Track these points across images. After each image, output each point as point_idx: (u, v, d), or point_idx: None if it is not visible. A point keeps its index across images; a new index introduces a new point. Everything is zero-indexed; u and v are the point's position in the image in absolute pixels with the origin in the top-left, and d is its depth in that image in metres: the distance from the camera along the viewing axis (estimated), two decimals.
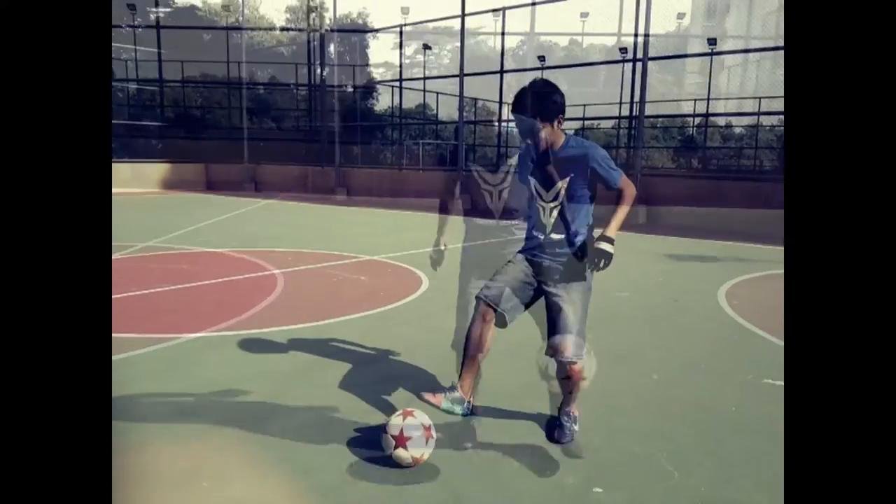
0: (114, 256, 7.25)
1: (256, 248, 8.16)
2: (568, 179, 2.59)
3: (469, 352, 2.65)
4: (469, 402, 2.65)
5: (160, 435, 2.73)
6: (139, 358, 3.74)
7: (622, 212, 2.55)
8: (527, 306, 2.73)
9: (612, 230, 2.49)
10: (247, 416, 2.93)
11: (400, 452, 2.43)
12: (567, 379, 2.66)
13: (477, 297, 2.68)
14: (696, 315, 5.04)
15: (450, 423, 2.87)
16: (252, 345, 4.03)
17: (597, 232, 2.56)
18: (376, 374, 3.53)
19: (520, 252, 2.78)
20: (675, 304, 5.42)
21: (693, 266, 7.43)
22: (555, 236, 2.65)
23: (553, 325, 2.61)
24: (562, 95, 2.60)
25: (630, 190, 2.59)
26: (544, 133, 2.56)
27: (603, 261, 2.45)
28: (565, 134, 2.64)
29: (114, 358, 3.73)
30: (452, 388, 2.65)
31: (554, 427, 2.75)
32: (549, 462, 2.55)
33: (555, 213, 2.64)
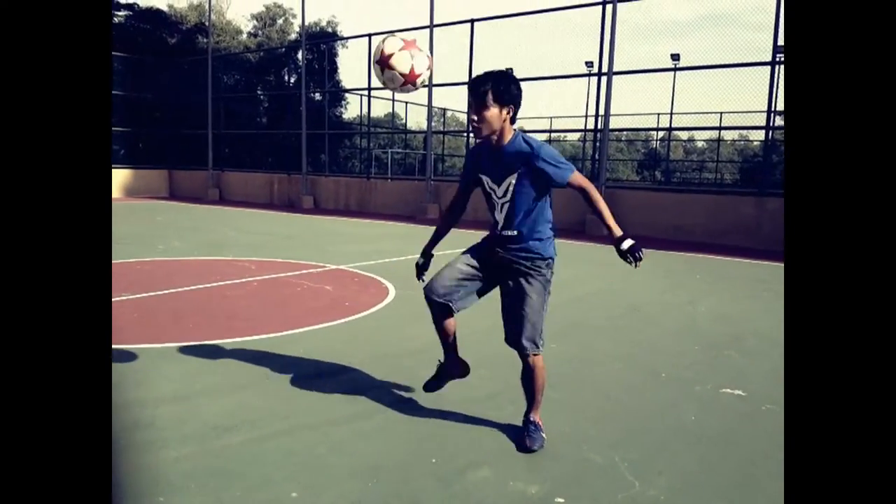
0: None
1: (219, 257, 8.03)
2: (517, 174, 2.64)
3: (440, 336, 2.96)
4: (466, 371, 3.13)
5: (115, 447, 2.65)
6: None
7: (602, 209, 2.63)
8: (479, 294, 2.90)
9: (614, 229, 2.60)
10: (206, 429, 2.87)
11: (404, 55, 2.60)
12: (529, 378, 2.78)
13: (426, 296, 2.83)
14: (658, 325, 5.13)
15: (416, 434, 2.86)
16: (211, 356, 3.95)
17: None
18: (340, 384, 3.50)
19: (477, 245, 2.91)
20: (637, 314, 5.51)
21: (655, 277, 7.56)
22: (507, 232, 2.74)
23: (507, 316, 2.76)
24: (519, 89, 2.62)
25: (587, 184, 2.66)
26: (491, 113, 2.57)
27: (635, 257, 2.56)
28: (515, 131, 2.67)
29: None
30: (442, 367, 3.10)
31: (523, 436, 2.76)
32: (513, 471, 2.55)
33: (506, 208, 2.71)
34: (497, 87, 2.56)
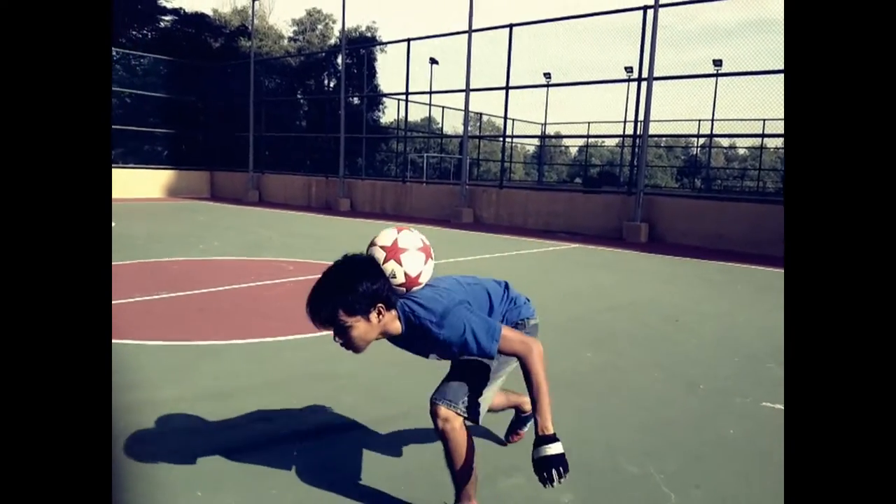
0: (123, 262, 7.26)
1: (258, 258, 8.17)
2: (435, 354, 2.13)
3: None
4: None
5: (154, 442, 2.71)
6: (135, 365, 3.73)
7: (536, 385, 1.91)
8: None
9: (544, 425, 1.86)
10: (242, 426, 2.91)
11: (391, 266, 1.98)
12: (446, 454, 2.08)
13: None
14: (696, 335, 5.03)
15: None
16: (248, 354, 4.02)
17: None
18: (373, 386, 3.52)
19: None
20: (676, 324, 5.40)
21: (694, 287, 7.42)
22: None
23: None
24: (374, 278, 1.93)
25: (524, 350, 1.94)
26: (358, 330, 1.92)
27: (552, 472, 1.80)
28: (396, 313, 2.00)
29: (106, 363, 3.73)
30: None
31: None
32: None
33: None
34: (344, 305, 1.89)
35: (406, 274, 2.01)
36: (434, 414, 2.05)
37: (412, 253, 2.04)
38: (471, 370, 2.14)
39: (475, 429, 2.96)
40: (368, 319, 1.92)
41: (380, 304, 1.93)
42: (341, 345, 1.98)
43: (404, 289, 2.03)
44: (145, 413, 3.01)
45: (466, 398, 2.07)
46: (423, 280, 2.07)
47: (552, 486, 1.82)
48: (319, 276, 1.98)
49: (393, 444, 2.80)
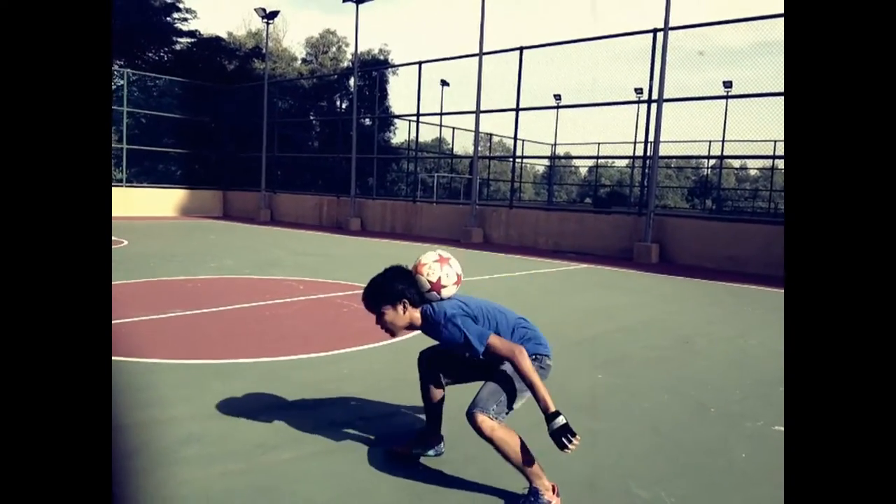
0: (136, 280, 7.33)
1: (269, 276, 8.23)
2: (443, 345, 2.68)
3: (426, 406, 2.93)
4: (440, 445, 2.93)
5: (167, 460, 2.73)
6: (147, 383, 3.76)
7: (527, 379, 2.39)
8: (469, 376, 2.86)
9: (546, 406, 2.34)
10: (251, 446, 2.92)
11: (432, 297, 2.65)
12: (498, 451, 2.45)
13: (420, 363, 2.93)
14: (707, 358, 4.99)
15: (455, 458, 2.85)
16: (258, 373, 4.04)
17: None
18: (383, 406, 3.52)
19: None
20: (686, 346, 5.37)
21: (705, 308, 7.37)
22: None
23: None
24: (405, 282, 2.63)
25: (508, 353, 2.44)
26: (389, 316, 2.62)
27: (565, 439, 2.27)
28: (422, 310, 2.65)
29: (117, 382, 3.75)
30: (418, 436, 2.96)
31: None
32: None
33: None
34: (376, 298, 2.63)
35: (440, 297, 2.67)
36: (473, 423, 2.41)
37: (449, 289, 2.67)
38: (500, 385, 2.50)
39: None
40: (396, 310, 2.61)
41: (405, 300, 2.61)
42: (381, 327, 2.67)
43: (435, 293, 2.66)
44: (157, 431, 3.03)
45: (496, 405, 2.45)
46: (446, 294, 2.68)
47: (569, 451, 2.27)
48: (364, 285, 2.72)
49: (409, 460, 2.80)
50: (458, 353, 2.69)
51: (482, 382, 2.58)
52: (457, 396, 3.08)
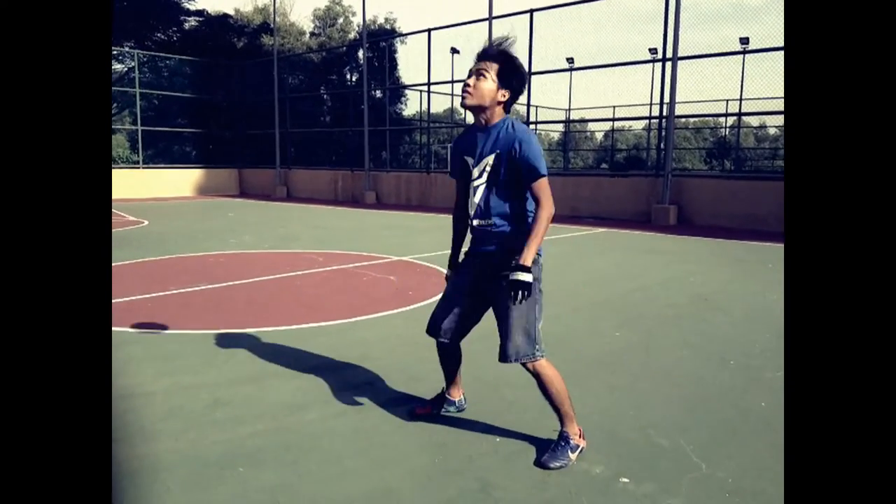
0: (157, 258, 7.47)
1: (288, 250, 8.32)
2: (494, 156, 2.46)
3: (444, 367, 2.91)
4: (459, 400, 2.96)
5: (198, 423, 2.82)
6: (176, 352, 3.86)
7: (536, 233, 2.36)
8: (478, 312, 2.70)
9: (525, 257, 2.33)
10: (279, 406, 3.01)
11: None
12: (542, 388, 2.53)
13: (430, 334, 2.77)
14: (727, 314, 4.99)
15: (477, 412, 2.92)
16: (283, 340, 4.12)
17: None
18: (404, 367, 3.59)
19: (462, 267, 2.73)
20: (706, 303, 5.37)
21: (724, 267, 7.34)
22: (481, 223, 2.54)
23: (499, 329, 2.52)
24: (523, 82, 2.52)
25: (547, 205, 2.39)
26: (487, 86, 2.42)
27: (520, 293, 2.30)
28: (505, 117, 2.52)
29: (144, 351, 3.86)
30: (442, 396, 2.96)
31: (546, 449, 2.53)
32: None
33: (480, 192, 2.51)
34: (504, 66, 2.44)
35: None
36: (525, 367, 2.51)
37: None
38: (522, 317, 2.46)
39: (521, 398, 3.01)
40: (499, 88, 2.44)
41: (508, 91, 2.46)
42: (464, 88, 2.46)
43: None
44: (188, 396, 3.13)
45: (530, 345, 2.48)
46: None
47: (518, 303, 2.34)
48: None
49: (428, 418, 2.87)
50: (506, 174, 2.46)
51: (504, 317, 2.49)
52: (475, 352, 3.14)
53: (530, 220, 2.45)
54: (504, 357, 2.49)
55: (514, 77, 2.46)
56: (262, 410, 2.98)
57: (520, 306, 2.42)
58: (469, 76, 2.47)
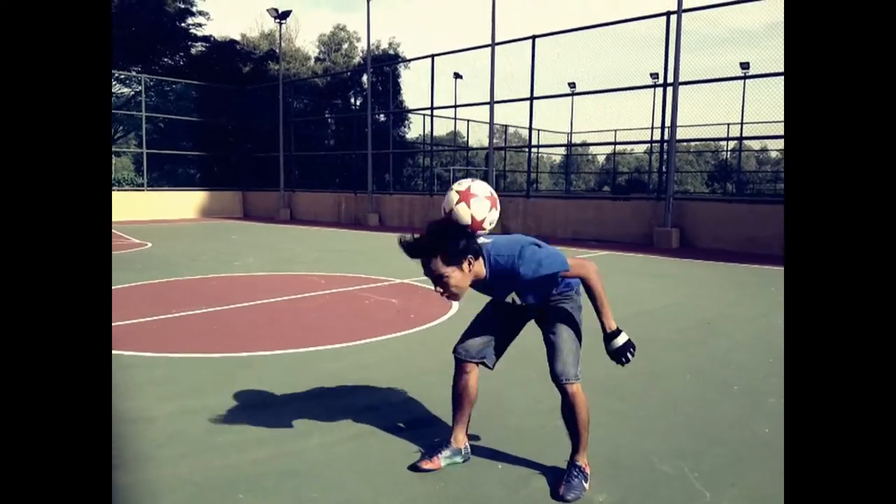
0: (162, 280, 7.48)
1: (291, 273, 8.34)
2: (515, 292, 2.49)
3: (459, 405, 2.71)
4: (465, 447, 2.72)
5: (198, 448, 2.81)
6: (175, 376, 3.86)
7: (599, 296, 2.39)
8: (509, 339, 2.70)
9: (609, 323, 2.42)
10: (282, 432, 3.00)
11: (461, 208, 2.44)
12: (569, 411, 2.49)
13: (455, 355, 2.68)
14: (730, 338, 4.98)
15: (481, 440, 2.90)
16: (285, 365, 4.12)
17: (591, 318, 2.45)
18: (408, 392, 3.58)
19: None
20: (709, 327, 5.36)
21: (727, 290, 7.33)
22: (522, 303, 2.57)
23: (548, 351, 2.54)
24: (464, 235, 2.30)
25: (584, 272, 2.38)
26: (454, 278, 2.27)
27: (627, 356, 2.42)
28: (484, 259, 2.36)
29: (146, 375, 3.86)
30: (445, 444, 2.69)
31: (561, 480, 2.47)
32: None
33: (517, 299, 2.54)
34: (442, 251, 2.25)
35: (472, 217, 2.44)
36: (561, 388, 2.47)
37: (480, 200, 2.47)
38: (568, 338, 2.50)
39: (523, 425, 2.99)
40: (461, 269, 2.28)
41: (469, 255, 2.28)
42: (441, 293, 2.33)
43: (470, 230, 2.41)
44: (189, 420, 3.12)
45: (575, 367, 2.48)
46: (487, 226, 2.50)
47: (627, 363, 2.44)
48: (421, 232, 2.34)
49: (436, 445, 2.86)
50: (522, 296, 2.47)
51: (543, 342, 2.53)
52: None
53: (561, 284, 2.51)
54: (555, 376, 2.48)
55: (454, 242, 2.26)
56: (263, 436, 2.96)
57: (568, 329, 2.51)
58: (435, 287, 2.33)
